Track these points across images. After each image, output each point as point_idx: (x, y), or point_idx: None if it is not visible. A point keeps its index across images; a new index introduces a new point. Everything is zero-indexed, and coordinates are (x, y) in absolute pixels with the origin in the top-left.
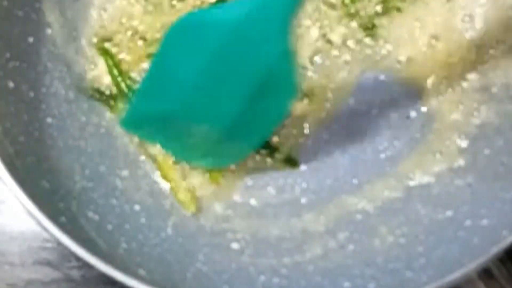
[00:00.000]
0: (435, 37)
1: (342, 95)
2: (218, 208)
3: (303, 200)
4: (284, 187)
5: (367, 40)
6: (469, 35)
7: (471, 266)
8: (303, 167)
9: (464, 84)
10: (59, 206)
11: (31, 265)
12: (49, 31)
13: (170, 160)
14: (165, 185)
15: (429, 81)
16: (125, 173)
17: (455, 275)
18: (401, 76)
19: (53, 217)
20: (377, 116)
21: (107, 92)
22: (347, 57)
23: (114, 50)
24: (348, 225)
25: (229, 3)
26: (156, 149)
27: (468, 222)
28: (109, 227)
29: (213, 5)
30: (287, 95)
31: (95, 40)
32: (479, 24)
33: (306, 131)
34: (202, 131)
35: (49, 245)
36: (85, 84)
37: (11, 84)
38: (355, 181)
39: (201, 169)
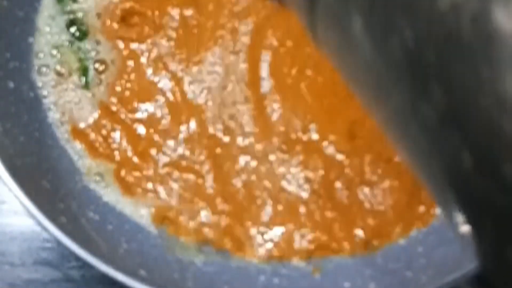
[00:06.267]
0: None
1: None
2: None
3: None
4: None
5: None
6: None
7: (471, 266)
8: None
9: None
10: (59, 206)
11: (31, 265)
12: None
13: None
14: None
15: None
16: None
17: (455, 275)
18: None
19: (53, 217)
20: None
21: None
22: None
23: None
24: None
25: None
26: None
27: None
28: (109, 227)
29: None
30: None
31: None
32: None
33: None
34: None
35: (49, 245)
36: None
37: (11, 84)
38: None
39: None
